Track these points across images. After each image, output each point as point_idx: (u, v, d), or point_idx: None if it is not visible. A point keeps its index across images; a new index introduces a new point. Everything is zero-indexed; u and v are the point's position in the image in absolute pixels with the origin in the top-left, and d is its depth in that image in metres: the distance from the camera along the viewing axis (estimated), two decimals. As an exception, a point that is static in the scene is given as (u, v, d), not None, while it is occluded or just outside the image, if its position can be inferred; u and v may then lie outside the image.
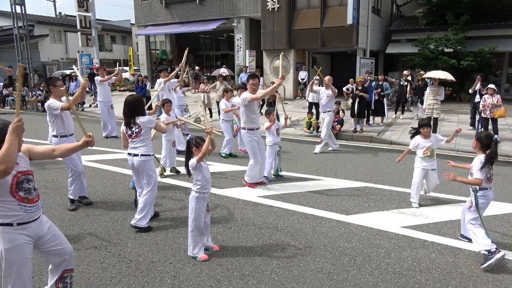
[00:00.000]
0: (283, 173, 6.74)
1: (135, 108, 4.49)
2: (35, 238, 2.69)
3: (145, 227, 4.49)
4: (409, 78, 13.09)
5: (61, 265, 2.87)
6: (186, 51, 9.13)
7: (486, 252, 3.64)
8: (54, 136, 5.07)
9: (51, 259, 2.86)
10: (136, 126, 4.45)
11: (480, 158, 3.88)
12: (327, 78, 8.47)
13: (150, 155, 4.53)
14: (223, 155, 8.01)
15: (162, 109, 6.80)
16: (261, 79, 13.14)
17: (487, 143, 3.92)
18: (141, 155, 4.45)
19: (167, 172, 6.82)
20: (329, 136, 8.71)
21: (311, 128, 10.80)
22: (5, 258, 2.58)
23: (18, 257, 2.59)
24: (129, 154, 4.53)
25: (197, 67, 23.11)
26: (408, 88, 12.95)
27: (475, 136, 4.12)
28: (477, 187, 3.89)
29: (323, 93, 8.52)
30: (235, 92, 10.30)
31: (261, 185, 6.14)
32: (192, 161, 3.74)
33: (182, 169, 6.63)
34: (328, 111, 8.58)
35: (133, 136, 4.47)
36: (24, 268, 2.63)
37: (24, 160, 2.69)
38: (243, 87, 8.21)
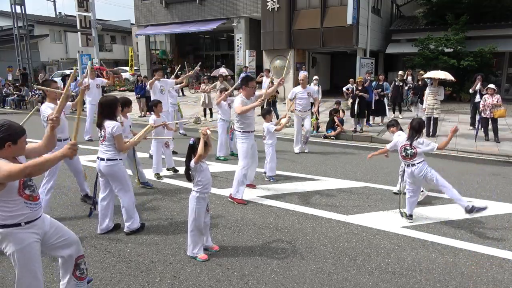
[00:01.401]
0: (283, 173, 6.74)
1: (106, 110, 4.30)
2: (42, 235, 2.74)
3: (140, 226, 4.50)
4: (405, 78, 13.09)
5: (71, 255, 2.91)
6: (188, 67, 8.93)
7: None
8: None
9: (60, 252, 2.88)
10: (103, 130, 4.26)
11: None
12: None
13: (116, 159, 4.29)
14: (222, 158, 7.89)
15: (153, 110, 6.49)
16: (269, 79, 12.98)
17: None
18: (107, 159, 4.26)
19: (165, 173, 6.81)
20: (300, 135, 8.70)
21: (312, 128, 10.80)
22: (17, 259, 2.60)
23: (30, 256, 2.63)
24: (97, 157, 4.37)
25: (197, 67, 23.12)
26: (405, 88, 12.96)
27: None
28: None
29: (303, 93, 8.34)
30: (235, 92, 10.27)
31: (250, 187, 5.94)
32: (191, 163, 3.74)
33: (180, 169, 6.67)
34: (309, 110, 8.58)
35: (101, 139, 4.32)
36: (36, 265, 2.68)
37: (23, 159, 2.71)
38: (225, 89, 8.14)
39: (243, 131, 5.51)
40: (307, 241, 4.22)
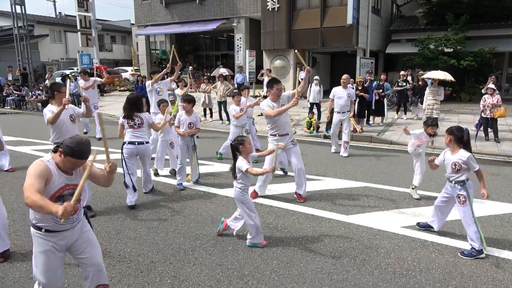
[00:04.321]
0: (283, 172, 6.74)
1: (135, 104, 5.34)
2: (66, 247, 2.71)
3: (152, 188, 5.78)
4: (408, 78, 13.07)
5: (88, 277, 2.79)
6: (172, 50, 8.70)
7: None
8: (50, 141, 5.04)
9: (80, 267, 2.84)
10: (138, 119, 5.30)
11: (465, 153, 3.92)
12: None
13: (149, 142, 5.61)
14: (218, 156, 7.85)
15: (158, 109, 6.71)
16: (269, 78, 12.93)
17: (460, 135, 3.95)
18: (146, 142, 5.39)
19: (165, 172, 6.82)
20: (335, 136, 8.54)
21: (311, 128, 10.81)
22: (34, 259, 2.67)
23: (44, 263, 2.63)
24: (132, 143, 5.28)
25: (190, 67, 23.31)
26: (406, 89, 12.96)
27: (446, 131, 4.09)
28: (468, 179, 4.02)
29: (342, 93, 8.04)
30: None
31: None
32: (241, 166, 3.95)
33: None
34: (348, 111, 8.17)
35: (135, 126, 5.30)
36: (48, 274, 2.65)
37: (81, 175, 2.64)
38: (238, 93, 7.94)
39: (271, 134, 5.43)
40: (307, 241, 4.22)
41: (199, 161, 6.37)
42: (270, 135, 5.47)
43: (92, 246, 2.79)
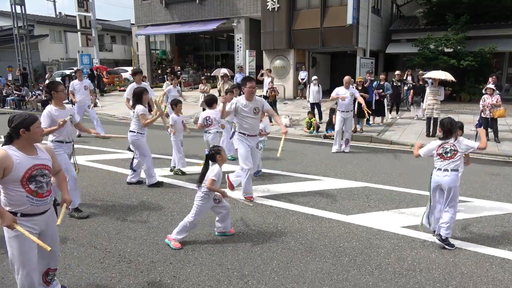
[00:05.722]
0: (283, 173, 6.74)
1: (136, 96, 5.92)
2: (39, 230, 2.77)
3: (157, 182, 6.03)
4: (405, 78, 13.04)
5: (44, 263, 2.96)
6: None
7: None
8: (50, 140, 4.90)
9: (38, 254, 2.91)
10: (133, 111, 5.95)
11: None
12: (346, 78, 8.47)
13: (135, 132, 5.87)
14: (230, 157, 7.83)
15: (173, 109, 6.85)
16: (269, 78, 13.04)
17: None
18: (130, 131, 5.91)
19: (165, 172, 6.81)
20: (339, 134, 8.66)
21: (311, 128, 10.81)
22: (10, 246, 2.69)
23: (22, 246, 2.67)
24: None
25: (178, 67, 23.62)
26: (405, 89, 12.93)
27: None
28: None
29: (345, 93, 8.38)
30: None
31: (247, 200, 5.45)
32: (217, 173, 3.97)
33: (186, 169, 6.76)
34: (351, 111, 8.54)
35: (134, 116, 5.93)
36: (28, 256, 2.70)
37: (46, 155, 2.82)
38: (231, 91, 7.92)
39: (239, 132, 5.53)
40: (307, 241, 4.22)
41: (199, 161, 6.38)
42: (238, 133, 5.51)
43: (55, 240, 2.97)
